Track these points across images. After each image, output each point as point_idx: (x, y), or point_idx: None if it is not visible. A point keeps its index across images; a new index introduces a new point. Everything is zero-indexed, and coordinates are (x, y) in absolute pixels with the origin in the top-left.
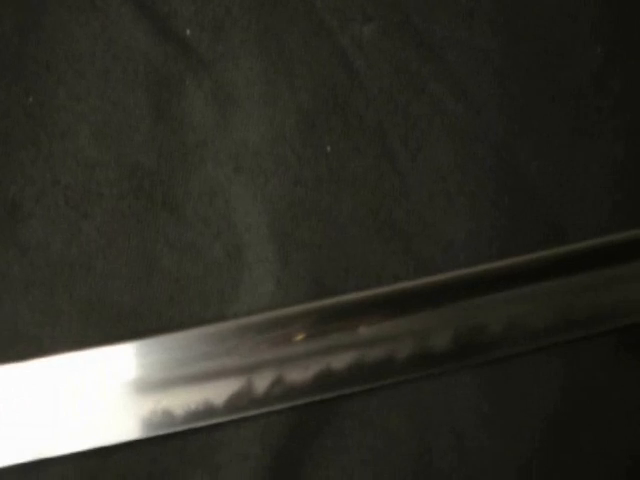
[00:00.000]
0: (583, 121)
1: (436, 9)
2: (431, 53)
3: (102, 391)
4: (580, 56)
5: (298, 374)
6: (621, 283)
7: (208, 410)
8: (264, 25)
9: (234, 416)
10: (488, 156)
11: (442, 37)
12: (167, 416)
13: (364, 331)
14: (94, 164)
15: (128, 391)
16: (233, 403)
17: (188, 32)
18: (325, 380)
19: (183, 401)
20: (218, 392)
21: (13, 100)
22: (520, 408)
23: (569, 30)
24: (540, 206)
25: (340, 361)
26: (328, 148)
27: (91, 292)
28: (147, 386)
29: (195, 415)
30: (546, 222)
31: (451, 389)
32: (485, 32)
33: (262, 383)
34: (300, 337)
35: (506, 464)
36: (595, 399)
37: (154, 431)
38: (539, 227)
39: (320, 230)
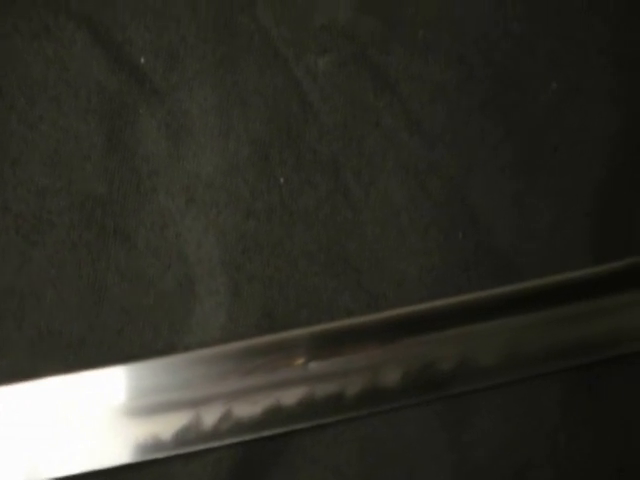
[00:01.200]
0: (538, 158)
1: (392, 42)
2: (386, 86)
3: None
4: (536, 91)
5: (247, 409)
6: (573, 322)
7: (156, 444)
8: (219, 55)
9: (182, 450)
10: (442, 191)
11: (397, 70)
12: (115, 449)
13: (314, 366)
14: (45, 192)
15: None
16: (181, 437)
17: (143, 60)
18: (274, 415)
19: (132, 435)
20: (166, 426)
21: None
22: (472, 443)
23: (525, 65)
24: (494, 242)
25: (290, 396)
26: (281, 180)
27: (40, 321)
28: (94, 419)
29: (143, 449)
30: (499, 258)
31: (403, 425)
32: (440, 66)
33: (211, 417)
34: (250, 371)
35: None
36: (545, 437)
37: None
38: (492, 263)
39: (272, 263)
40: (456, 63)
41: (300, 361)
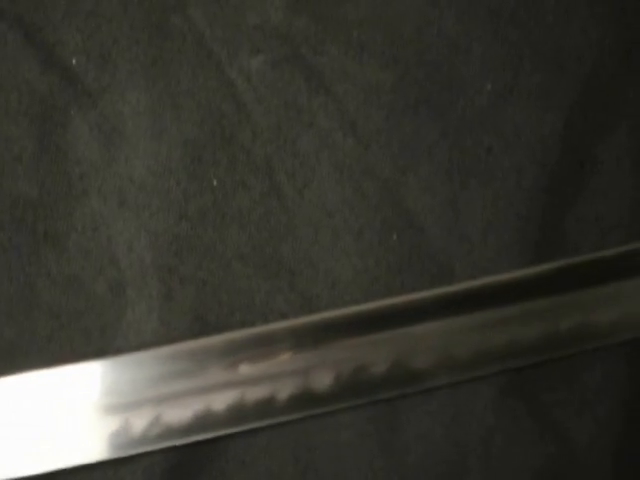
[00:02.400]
0: (473, 159)
1: (326, 42)
2: (320, 87)
3: None
4: (470, 92)
5: (177, 413)
6: (505, 325)
7: (86, 449)
8: (152, 56)
9: (112, 456)
10: (376, 192)
11: (332, 71)
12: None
13: (245, 369)
14: None
15: None
16: (111, 443)
17: (74, 62)
18: (205, 420)
19: (60, 441)
20: (95, 432)
21: None
22: (406, 448)
23: (459, 65)
24: (428, 244)
25: (220, 400)
26: (214, 182)
27: None
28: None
29: (70, 455)
30: (434, 260)
31: (336, 430)
32: (375, 66)
33: (140, 422)
34: (179, 375)
35: None
36: (480, 442)
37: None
38: (427, 265)
39: (204, 266)
40: (391, 63)
41: (231, 364)
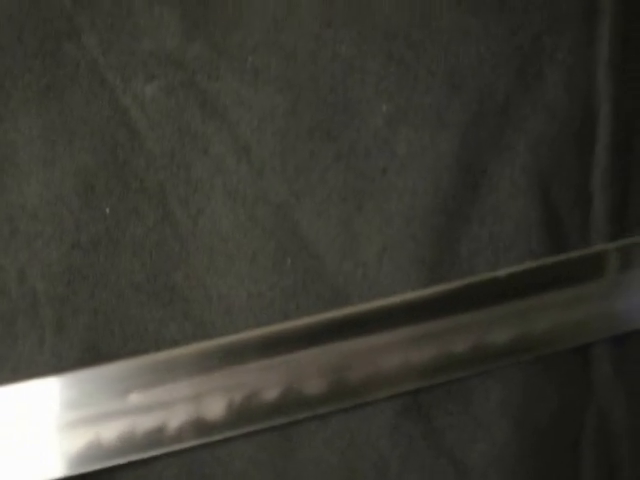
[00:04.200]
0: (367, 182)
1: (221, 68)
2: (215, 113)
3: None
4: (365, 114)
5: (67, 444)
6: (399, 347)
7: None
8: (45, 84)
9: None
10: (270, 217)
11: (226, 96)
12: None
13: (135, 398)
14: None
15: None
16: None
17: None
18: (95, 450)
19: None
20: None
21: None
22: (301, 475)
23: (354, 88)
24: (322, 268)
25: (110, 430)
26: (107, 210)
27: None
28: None
29: None
30: (328, 284)
31: (230, 459)
32: (270, 91)
33: (27, 454)
34: (69, 405)
35: None
36: (374, 468)
37: None
38: (321, 290)
39: (97, 295)
40: (285, 88)
41: (121, 393)
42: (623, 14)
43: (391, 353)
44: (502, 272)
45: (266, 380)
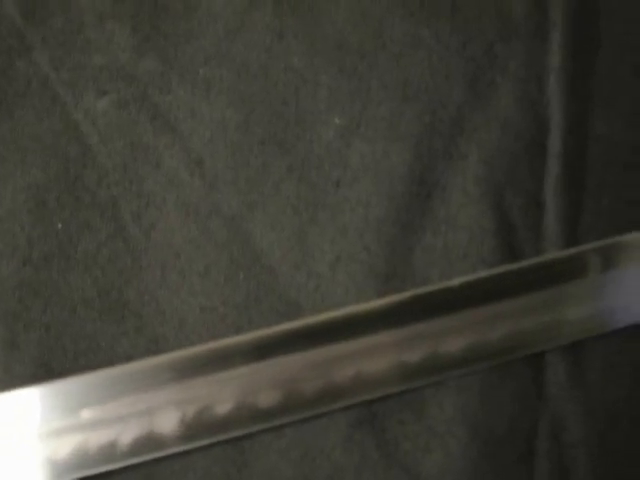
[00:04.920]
0: (320, 194)
1: (173, 81)
2: (166, 126)
3: None
4: (318, 127)
5: (19, 460)
6: (352, 358)
7: None
8: None
9: None
10: (222, 230)
11: (178, 109)
12: None
13: (88, 413)
14: None
15: None
16: None
17: None
18: (48, 466)
19: None
20: None
21: None
22: None
23: (307, 100)
24: (275, 281)
25: (63, 445)
26: (59, 226)
27: None
28: None
29: None
30: (281, 297)
31: (183, 472)
32: (222, 104)
33: None
34: (22, 421)
35: None
36: (330, 478)
37: None
38: (274, 302)
39: (49, 311)
40: (237, 101)
41: (73, 408)
42: (574, 25)
43: (344, 364)
44: (456, 281)
45: (219, 393)
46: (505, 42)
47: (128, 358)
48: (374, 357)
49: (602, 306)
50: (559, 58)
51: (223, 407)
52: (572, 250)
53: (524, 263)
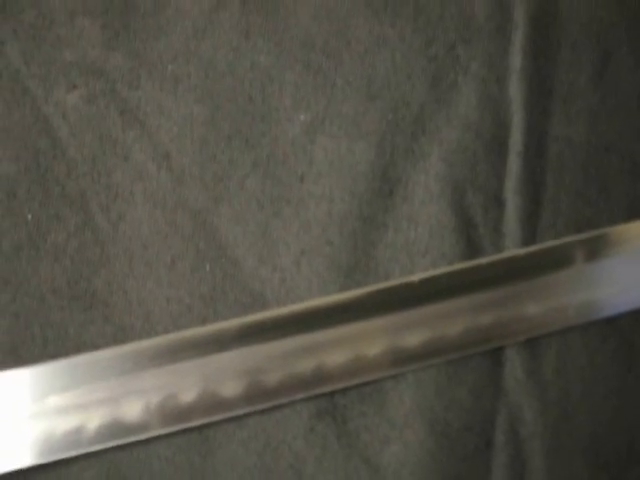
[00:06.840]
0: (285, 188)
1: (142, 77)
2: (135, 121)
3: None
4: (283, 123)
5: None
6: (314, 350)
7: None
8: None
9: None
10: (189, 223)
11: (147, 104)
12: None
13: (53, 400)
14: None
15: None
16: None
17: None
18: (14, 453)
19: None
20: None
21: None
22: (218, 476)
23: (272, 97)
24: (241, 273)
25: (29, 431)
26: (29, 217)
27: None
28: None
29: None
30: (246, 289)
31: (149, 460)
32: (189, 100)
33: None
34: None
35: None
36: (290, 469)
37: None
38: (239, 295)
39: (18, 299)
40: (205, 97)
41: (38, 396)
42: (536, 26)
43: (306, 356)
44: (416, 277)
45: (183, 382)
46: (467, 43)
47: (95, 346)
48: (336, 349)
49: (560, 302)
50: (520, 59)
51: (187, 396)
52: (531, 248)
53: (483, 260)
